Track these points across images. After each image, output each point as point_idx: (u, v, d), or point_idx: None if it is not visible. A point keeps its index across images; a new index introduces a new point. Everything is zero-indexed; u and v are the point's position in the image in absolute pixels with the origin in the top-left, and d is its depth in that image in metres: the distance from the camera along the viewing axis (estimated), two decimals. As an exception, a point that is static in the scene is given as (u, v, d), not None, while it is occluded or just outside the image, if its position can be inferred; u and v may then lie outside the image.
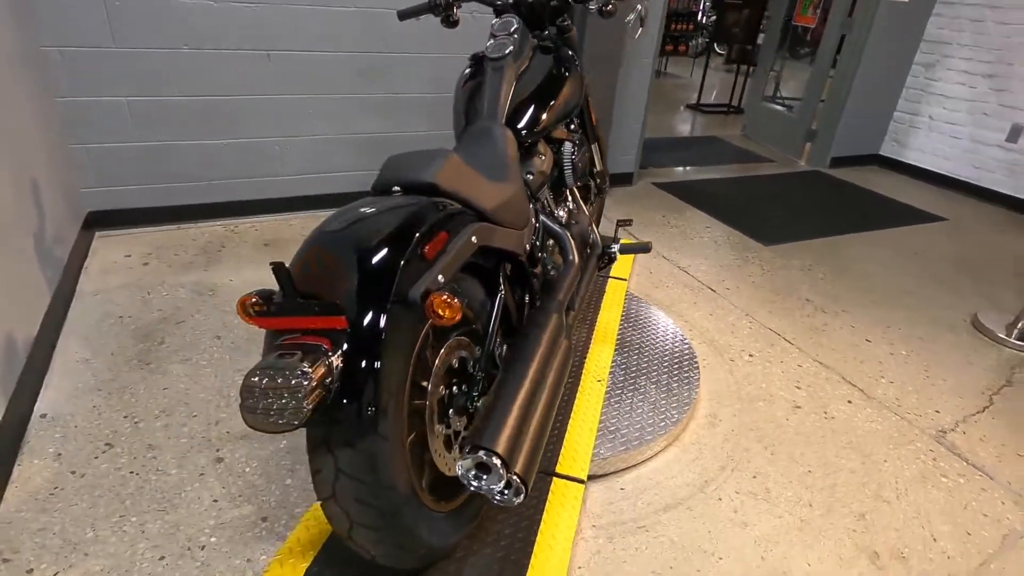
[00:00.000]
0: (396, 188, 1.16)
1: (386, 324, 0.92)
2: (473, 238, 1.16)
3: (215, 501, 1.47)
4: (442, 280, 1.03)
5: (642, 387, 1.91)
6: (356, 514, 1.00)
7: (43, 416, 1.68)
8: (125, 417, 1.70)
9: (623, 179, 4.06)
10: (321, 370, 0.85)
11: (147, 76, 2.55)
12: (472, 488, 1.00)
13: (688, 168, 4.63)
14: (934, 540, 1.56)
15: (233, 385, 1.86)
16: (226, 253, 2.67)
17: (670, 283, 2.78)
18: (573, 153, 1.79)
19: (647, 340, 2.18)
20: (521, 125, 1.65)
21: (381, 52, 2.94)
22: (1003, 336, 2.55)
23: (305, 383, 0.82)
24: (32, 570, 1.27)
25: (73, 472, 1.51)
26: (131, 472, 1.53)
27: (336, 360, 0.89)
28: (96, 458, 1.56)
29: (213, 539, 1.37)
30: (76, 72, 2.44)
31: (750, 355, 2.28)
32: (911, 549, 1.52)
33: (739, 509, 1.60)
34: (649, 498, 1.60)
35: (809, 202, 4.08)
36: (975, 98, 4.39)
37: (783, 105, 5.45)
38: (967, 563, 1.50)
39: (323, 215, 3.07)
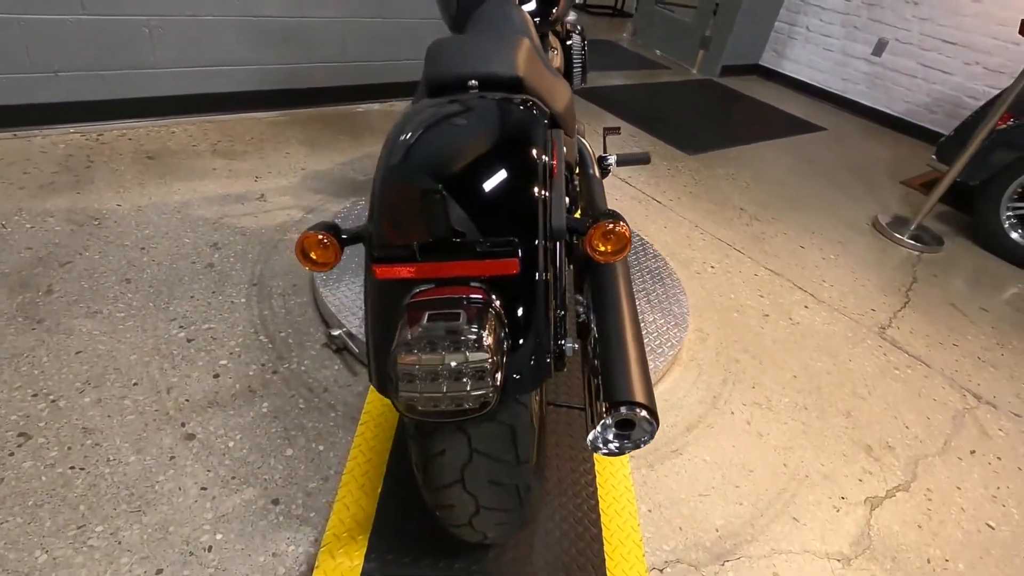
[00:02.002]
0: (473, 83, 0.89)
1: (549, 264, 0.72)
2: (564, 148, 0.96)
3: (203, 489, 1.18)
4: (569, 203, 0.82)
5: (640, 309, 1.85)
6: (487, 498, 0.82)
7: (-97, 407, 1.22)
8: (34, 395, 1.29)
9: (538, 83, 3.83)
10: (499, 333, 0.64)
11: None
12: (610, 449, 0.87)
13: (594, 72, 4.48)
14: (907, 428, 1.73)
15: (173, 341, 1.49)
16: (98, 170, 2.08)
17: (617, 195, 2.71)
18: (583, 48, 1.57)
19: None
20: (534, 9, 1.39)
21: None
22: (899, 237, 2.86)
23: (488, 352, 0.61)
24: (-27, 621, 0.93)
25: (-16, 479, 1.12)
26: (71, 468, 1.17)
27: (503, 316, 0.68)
28: (11, 455, 1.17)
29: (219, 536, 1.11)
30: None
31: (712, 267, 2.31)
32: (893, 439, 1.68)
33: (751, 420, 1.64)
34: (672, 420, 1.58)
35: (713, 111, 4.18)
36: (849, 11, 4.69)
37: (669, 10, 5.43)
38: (935, 444, 1.70)
39: (218, 120, 2.52)
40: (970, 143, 2.68)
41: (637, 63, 4.95)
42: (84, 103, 2.25)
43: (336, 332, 1.53)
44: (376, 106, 3.07)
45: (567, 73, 1.59)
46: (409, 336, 0.61)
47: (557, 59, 1.48)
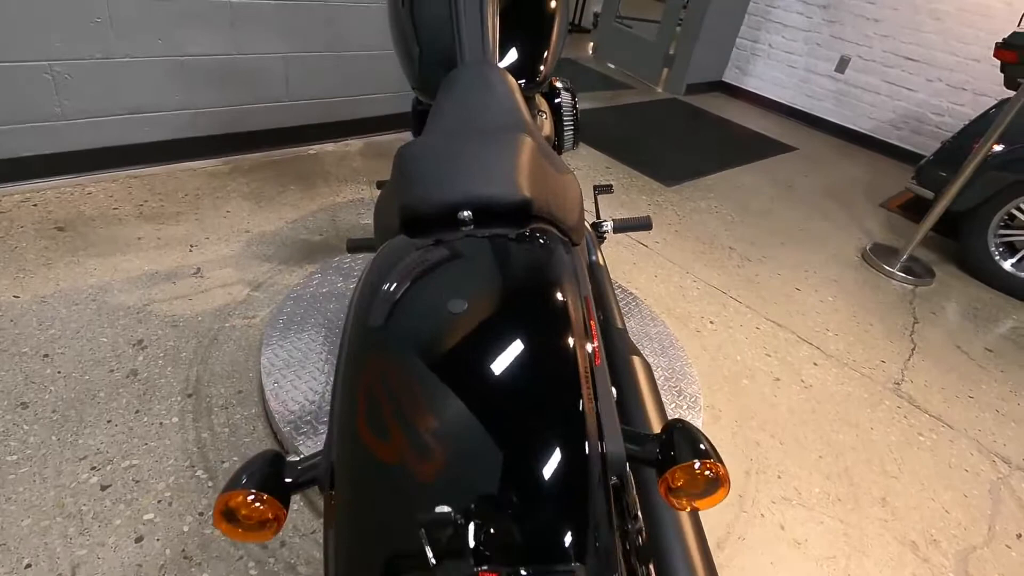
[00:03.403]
0: (466, 214, 0.64)
1: (613, 544, 0.47)
2: (589, 290, 0.71)
3: None
4: (616, 394, 0.58)
5: (644, 390, 1.62)
6: None
7: None
8: None
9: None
10: None
11: None
12: None
13: (558, 96, 4.28)
14: (947, 512, 1.56)
15: (82, 490, 1.17)
16: (-8, 249, 1.73)
17: (600, 240, 2.49)
18: (574, 107, 1.33)
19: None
20: (516, 68, 1.15)
21: (203, -65, 2.04)
22: (890, 270, 2.73)
23: None
24: None
25: None
26: None
27: None
28: None
29: None
30: None
31: (711, 322, 2.11)
32: (936, 529, 1.50)
33: (785, 524, 1.43)
34: (698, 535, 1.36)
35: (684, 134, 4.03)
36: (810, 28, 4.63)
37: (627, 26, 5.28)
38: (979, 530, 1.53)
39: (145, 175, 2.19)
40: (960, 172, 2.57)
41: (601, 83, 4.78)
42: (-25, 165, 1.90)
43: (294, 459, 1.25)
44: (330, 147, 2.78)
45: (557, 137, 1.36)
46: None
47: (546, 125, 1.24)
